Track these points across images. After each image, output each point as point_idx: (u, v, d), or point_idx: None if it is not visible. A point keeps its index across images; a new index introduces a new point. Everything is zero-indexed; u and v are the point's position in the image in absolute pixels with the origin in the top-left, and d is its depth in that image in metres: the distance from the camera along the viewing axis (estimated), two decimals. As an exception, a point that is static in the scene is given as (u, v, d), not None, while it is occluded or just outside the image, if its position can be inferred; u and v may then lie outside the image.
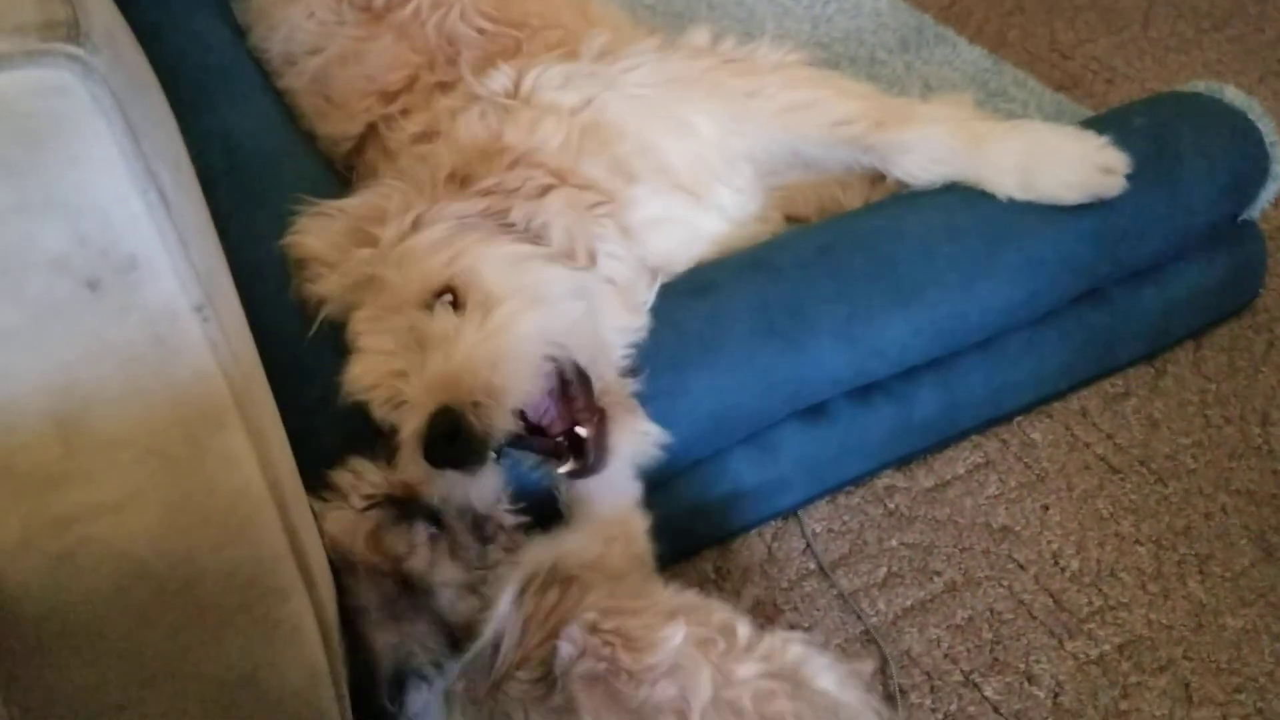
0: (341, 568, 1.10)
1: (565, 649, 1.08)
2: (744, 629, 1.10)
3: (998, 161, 1.50)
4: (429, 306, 1.21)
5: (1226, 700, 1.38)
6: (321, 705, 1.12)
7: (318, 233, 1.36)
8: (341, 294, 1.30)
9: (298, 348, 1.32)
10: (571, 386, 1.23)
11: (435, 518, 1.15)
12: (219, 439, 0.84)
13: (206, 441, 0.84)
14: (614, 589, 1.15)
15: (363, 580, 1.10)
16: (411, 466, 1.16)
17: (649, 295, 1.40)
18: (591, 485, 1.27)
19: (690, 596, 1.17)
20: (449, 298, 1.21)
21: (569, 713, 1.05)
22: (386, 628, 1.10)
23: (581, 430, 1.20)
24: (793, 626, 1.46)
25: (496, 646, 1.11)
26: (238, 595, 0.94)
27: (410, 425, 1.15)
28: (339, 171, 1.70)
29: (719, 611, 1.14)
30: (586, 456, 1.21)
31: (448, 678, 1.10)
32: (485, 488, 1.18)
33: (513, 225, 1.30)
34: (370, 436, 1.23)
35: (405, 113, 1.58)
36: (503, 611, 1.12)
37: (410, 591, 1.11)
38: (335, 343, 1.29)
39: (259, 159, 1.60)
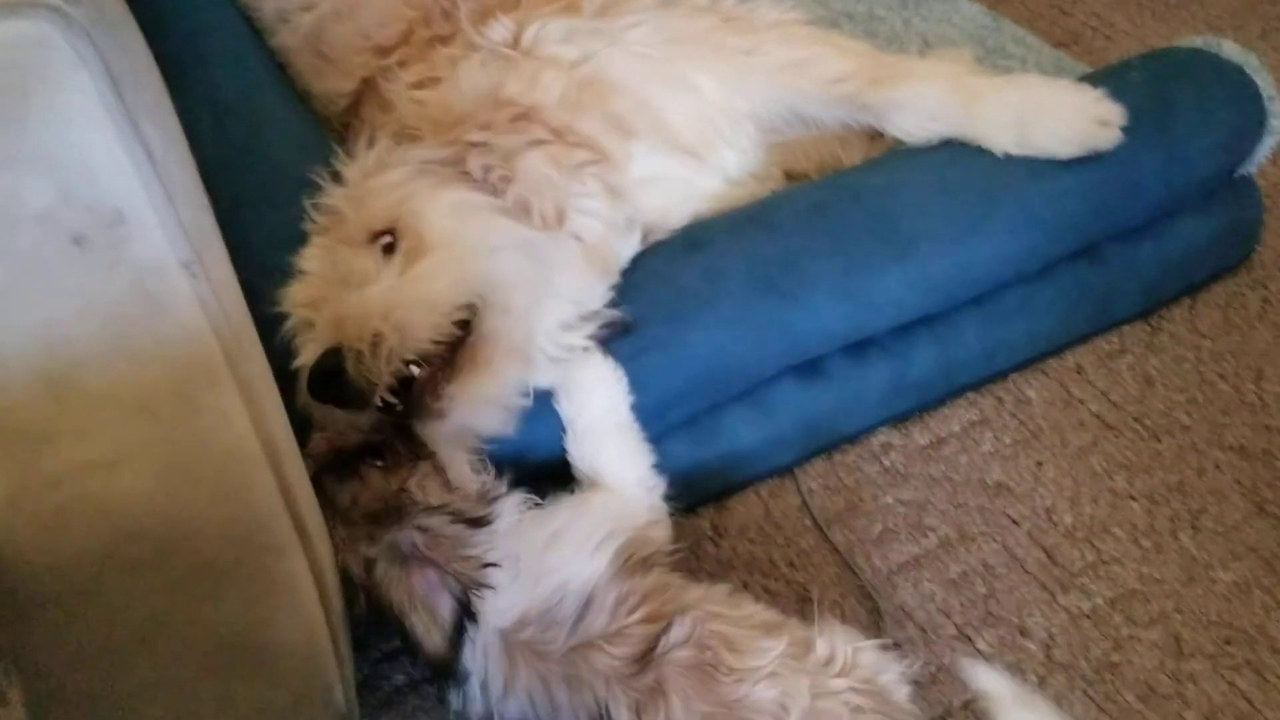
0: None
1: (677, 633, 1.11)
2: (822, 645, 1.14)
3: (992, 117, 1.49)
4: (370, 243, 1.23)
5: (1217, 652, 1.39)
6: (320, 661, 1.13)
7: None
8: (312, 230, 1.31)
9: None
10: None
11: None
12: (210, 396, 0.84)
13: (198, 399, 0.84)
14: (710, 593, 1.19)
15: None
16: (301, 395, 1.19)
17: (626, 250, 1.39)
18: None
19: (773, 613, 1.19)
20: (388, 239, 1.22)
21: (656, 693, 1.08)
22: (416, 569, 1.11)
23: (413, 369, 1.19)
24: (792, 583, 1.47)
25: (585, 608, 1.13)
26: (233, 553, 0.95)
27: (303, 357, 1.19)
28: (335, 130, 1.69)
29: (799, 629, 1.17)
30: (411, 398, 1.20)
31: (504, 621, 1.12)
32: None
33: (469, 173, 1.30)
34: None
35: (403, 65, 1.56)
36: (595, 576, 1.15)
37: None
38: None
39: (249, 119, 1.59)
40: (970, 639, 1.41)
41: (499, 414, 1.26)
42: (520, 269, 1.27)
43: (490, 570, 1.11)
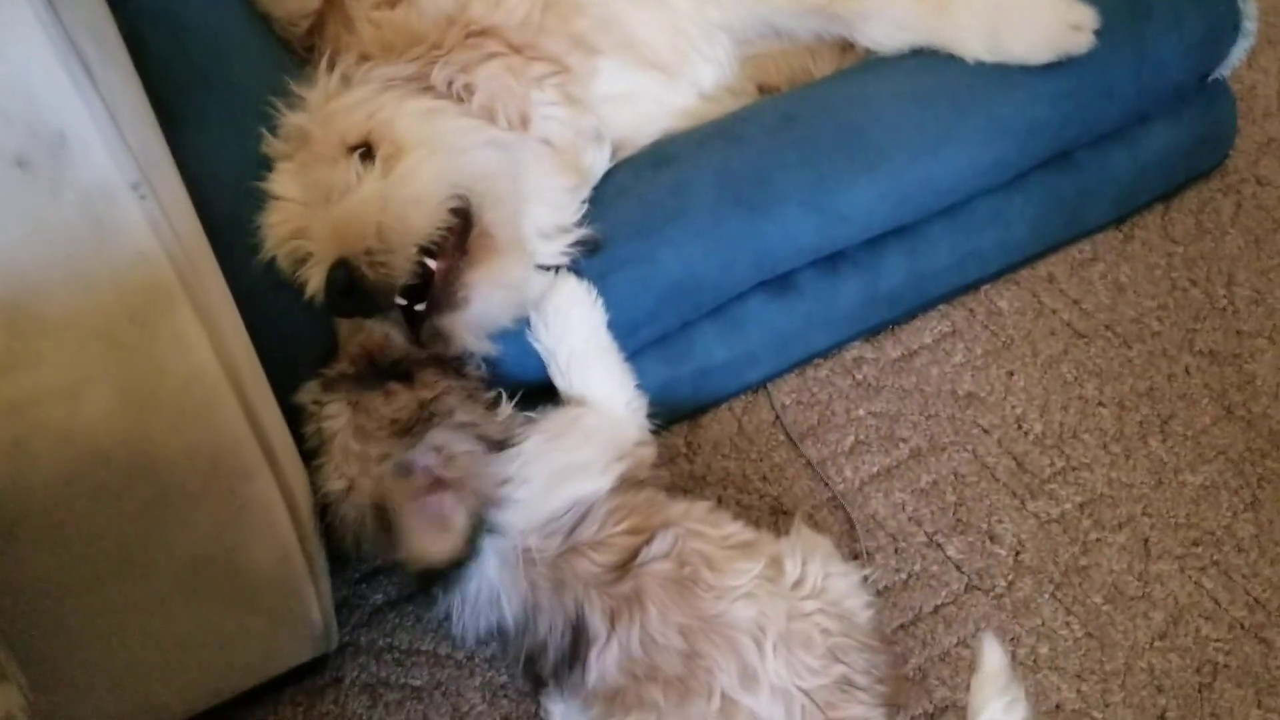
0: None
1: (659, 546, 1.13)
2: (792, 565, 1.15)
3: (963, 24, 1.47)
4: (345, 157, 1.22)
5: (1184, 554, 1.42)
6: (295, 582, 1.14)
7: None
8: (275, 155, 1.29)
9: (252, 230, 1.30)
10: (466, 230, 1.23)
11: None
12: (167, 320, 0.84)
13: (155, 323, 0.83)
14: (691, 509, 1.20)
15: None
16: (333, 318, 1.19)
17: (597, 162, 1.38)
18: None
19: (749, 531, 1.20)
20: (362, 150, 1.21)
21: (633, 602, 1.10)
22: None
23: (430, 262, 1.19)
24: (764, 497, 1.48)
25: (581, 519, 1.15)
26: (200, 477, 0.95)
27: (314, 283, 1.17)
28: (297, 54, 1.65)
29: (770, 545, 1.18)
30: (436, 292, 1.20)
31: (509, 532, 1.13)
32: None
33: (433, 87, 1.28)
34: (330, 320, 1.23)
35: None
36: (600, 493, 1.17)
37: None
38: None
39: (208, 41, 1.55)
40: (940, 546, 1.43)
41: (515, 299, 1.26)
42: (498, 162, 1.26)
43: (506, 488, 1.13)
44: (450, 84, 1.30)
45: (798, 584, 1.14)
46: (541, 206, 1.31)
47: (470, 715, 1.32)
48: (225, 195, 1.28)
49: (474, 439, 1.13)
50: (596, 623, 1.10)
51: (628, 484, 1.21)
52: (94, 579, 0.97)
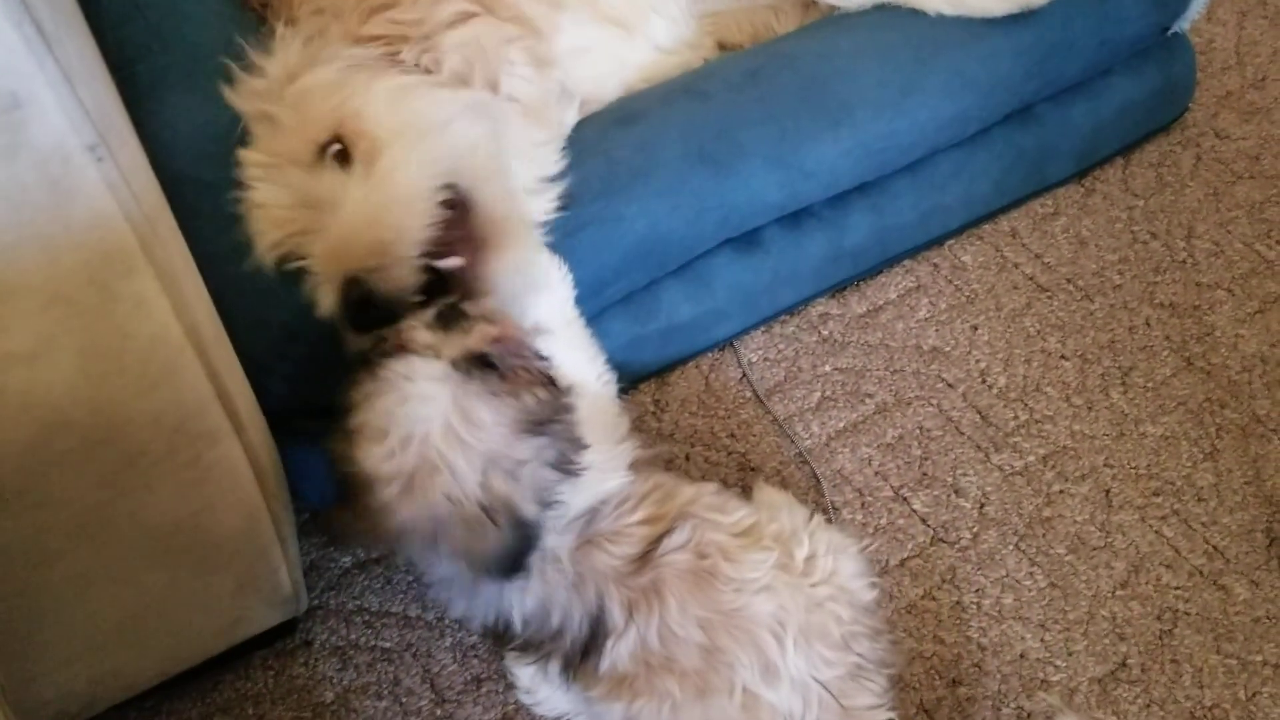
0: None
1: (678, 538, 1.11)
2: (799, 549, 1.14)
3: None
4: (320, 158, 1.17)
5: (1145, 504, 1.44)
6: (262, 546, 1.14)
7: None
8: (246, 119, 1.26)
9: (214, 193, 1.28)
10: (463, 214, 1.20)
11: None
12: (127, 283, 0.83)
13: (114, 286, 0.82)
14: (700, 493, 1.18)
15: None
16: (349, 337, 1.15)
17: (568, 116, 1.37)
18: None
19: (750, 511, 1.19)
20: (337, 147, 1.16)
21: (651, 593, 1.09)
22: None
23: (451, 261, 1.16)
24: (740, 456, 1.49)
25: (597, 511, 1.12)
26: (165, 442, 0.94)
27: (325, 303, 1.13)
28: (254, 10, 1.62)
29: (770, 524, 1.17)
30: (460, 287, 1.17)
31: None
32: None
33: (402, 61, 1.25)
34: (296, 280, 1.22)
35: None
36: (622, 482, 1.14)
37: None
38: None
39: (166, 1, 1.52)
40: (906, 500, 1.45)
41: (533, 273, 1.24)
42: (477, 131, 1.23)
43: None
44: (419, 57, 1.26)
45: (809, 567, 1.14)
46: (524, 162, 1.29)
47: (441, 676, 1.33)
48: (185, 157, 1.26)
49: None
50: (616, 614, 1.09)
51: (636, 467, 1.19)
52: (59, 547, 0.96)
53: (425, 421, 0.97)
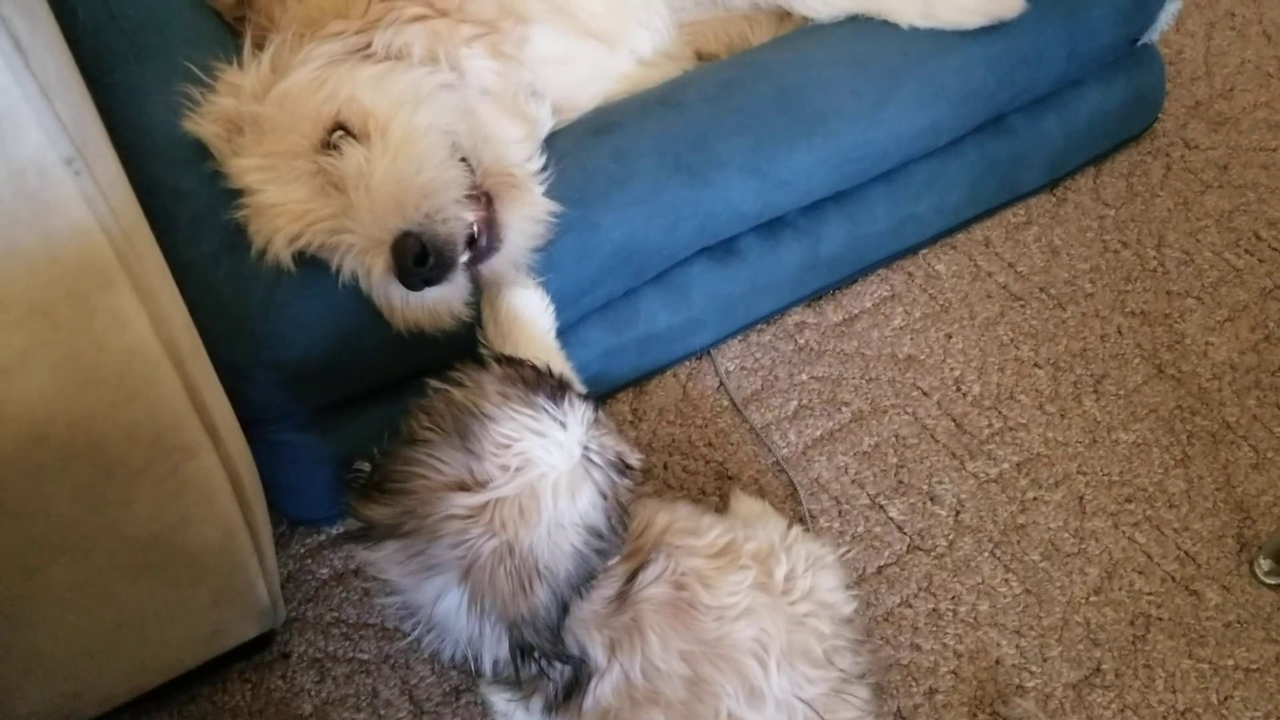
0: None
1: (652, 570, 1.10)
2: (778, 566, 1.14)
3: None
4: (327, 146, 1.19)
5: (1118, 510, 1.46)
6: (240, 558, 1.13)
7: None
8: (214, 139, 1.26)
9: (192, 201, 1.28)
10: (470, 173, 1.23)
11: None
12: (105, 296, 0.82)
13: (92, 299, 0.82)
14: (675, 516, 1.16)
15: None
16: (390, 301, 1.17)
17: (541, 115, 1.37)
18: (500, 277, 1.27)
19: (725, 529, 1.18)
20: (339, 133, 1.19)
21: (632, 630, 1.08)
22: None
23: (468, 215, 1.19)
24: (716, 463, 1.49)
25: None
26: (142, 455, 0.94)
27: (378, 267, 1.15)
28: (227, 24, 1.62)
29: (748, 542, 1.16)
30: (478, 240, 1.20)
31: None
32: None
33: (374, 53, 1.27)
34: (273, 286, 1.21)
35: None
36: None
37: None
38: (231, 196, 1.26)
39: (139, 10, 1.51)
40: (883, 508, 1.45)
41: (542, 224, 1.28)
42: (459, 104, 1.26)
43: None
44: (389, 47, 1.28)
45: (788, 585, 1.13)
46: (498, 141, 1.30)
47: (420, 688, 1.33)
48: (162, 165, 1.26)
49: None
50: (599, 656, 1.07)
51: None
52: (35, 561, 0.95)
53: (550, 466, 0.97)
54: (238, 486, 1.05)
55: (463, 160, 1.21)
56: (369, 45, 1.28)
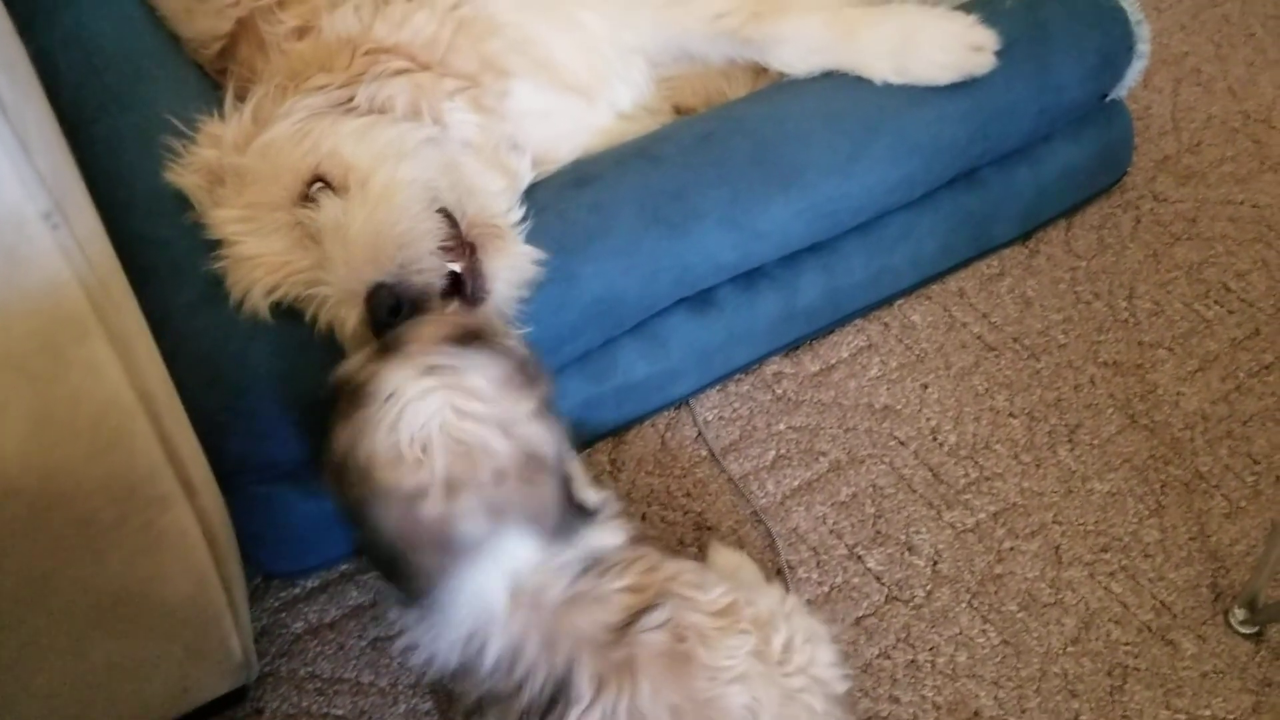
0: None
1: (658, 615, 1.08)
2: (777, 635, 1.12)
3: (872, 47, 1.51)
4: (306, 198, 1.19)
5: (1093, 560, 1.46)
6: (213, 612, 1.12)
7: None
8: (195, 189, 1.26)
9: (170, 251, 1.28)
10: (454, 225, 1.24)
11: None
12: (80, 349, 0.82)
13: (67, 352, 0.81)
14: (681, 569, 1.16)
15: None
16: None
17: (521, 168, 1.38)
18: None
19: (729, 590, 1.16)
20: (319, 185, 1.19)
21: (624, 671, 1.05)
22: None
23: (454, 265, 1.19)
24: (689, 513, 1.49)
25: (589, 567, 1.10)
26: (116, 508, 0.93)
27: (351, 318, 1.15)
28: (209, 75, 1.63)
29: (748, 606, 1.15)
30: (464, 288, 1.20)
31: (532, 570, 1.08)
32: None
33: (356, 107, 1.28)
34: (251, 336, 1.21)
35: (281, 4, 1.51)
36: (619, 544, 1.13)
37: None
38: (209, 246, 1.26)
39: (121, 61, 1.52)
40: (861, 558, 1.45)
41: (527, 273, 1.28)
42: (442, 157, 1.27)
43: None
44: (372, 101, 1.29)
45: (785, 656, 1.12)
46: (481, 192, 1.31)
47: (395, 741, 1.31)
48: (141, 215, 1.26)
49: None
50: (583, 685, 1.05)
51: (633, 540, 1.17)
52: (5, 616, 0.94)
53: (432, 417, 0.97)
54: (212, 540, 1.05)
55: (444, 212, 1.21)
56: (352, 99, 1.29)
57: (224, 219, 1.21)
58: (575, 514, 1.06)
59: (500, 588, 1.04)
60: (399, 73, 1.32)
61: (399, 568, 1.01)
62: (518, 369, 1.03)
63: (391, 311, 1.12)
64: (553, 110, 1.49)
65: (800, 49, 1.52)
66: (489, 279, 1.22)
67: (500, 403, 1.00)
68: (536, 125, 1.46)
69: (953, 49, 1.49)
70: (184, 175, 1.27)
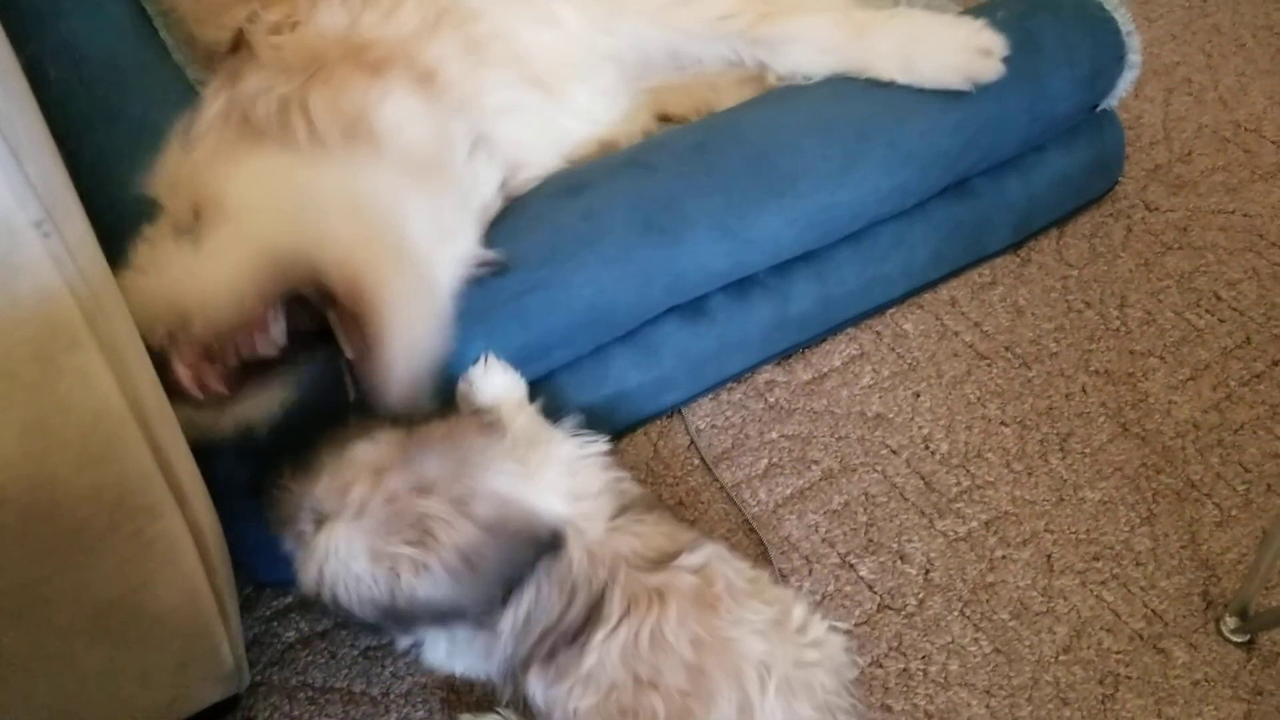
0: None
1: (696, 557, 1.14)
2: (797, 612, 1.16)
3: (880, 48, 1.52)
4: (191, 228, 1.13)
5: (1085, 568, 1.46)
6: (204, 622, 1.11)
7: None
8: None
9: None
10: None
11: None
12: (71, 358, 0.82)
13: (58, 361, 0.81)
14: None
15: None
16: None
17: (486, 174, 1.35)
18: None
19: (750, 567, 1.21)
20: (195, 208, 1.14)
21: (654, 596, 1.10)
22: None
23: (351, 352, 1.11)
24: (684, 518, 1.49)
25: (624, 508, 1.15)
26: (106, 517, 0.93)
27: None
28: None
29: (771, 589, 1.19)
30: (356, 383, 1.14)
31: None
32: None
33: (258, 120, 1.20)
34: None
35: (265, 6, 1.50)
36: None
37: None
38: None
39: (113, 70, 1.52)
40: (853, 566, 1.46)
41: (431, 339, 1.17)
42: (343, 203, 1.14)
43: None
44: (284, 113, 1.22)
45: (801, 631, 1.15)
46: (420, 235, 1.20)
47: (387, 751, 1.31)
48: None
49: None
50: (615, 603, 1.09)
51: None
52: (-3, 629, 0.94)
53: (355, 556, 1.01)
54: (203, 549, 1.04)
55: (305, 293, 1.09)
56: (253, 108, 1.21)
57: (144, 234, 1.17)
58: None
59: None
60: (314, 73, 1.23)
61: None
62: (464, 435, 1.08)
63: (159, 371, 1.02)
64: (522, 106, 1.46)
65: (809, 49, 1.53)
66: (379, 373, 1.11)
67: (454, 485, 1.04)
68: (507, 123, 1.43)
69: (961, 52, 1.52)
70: (158, 188, 1.23)
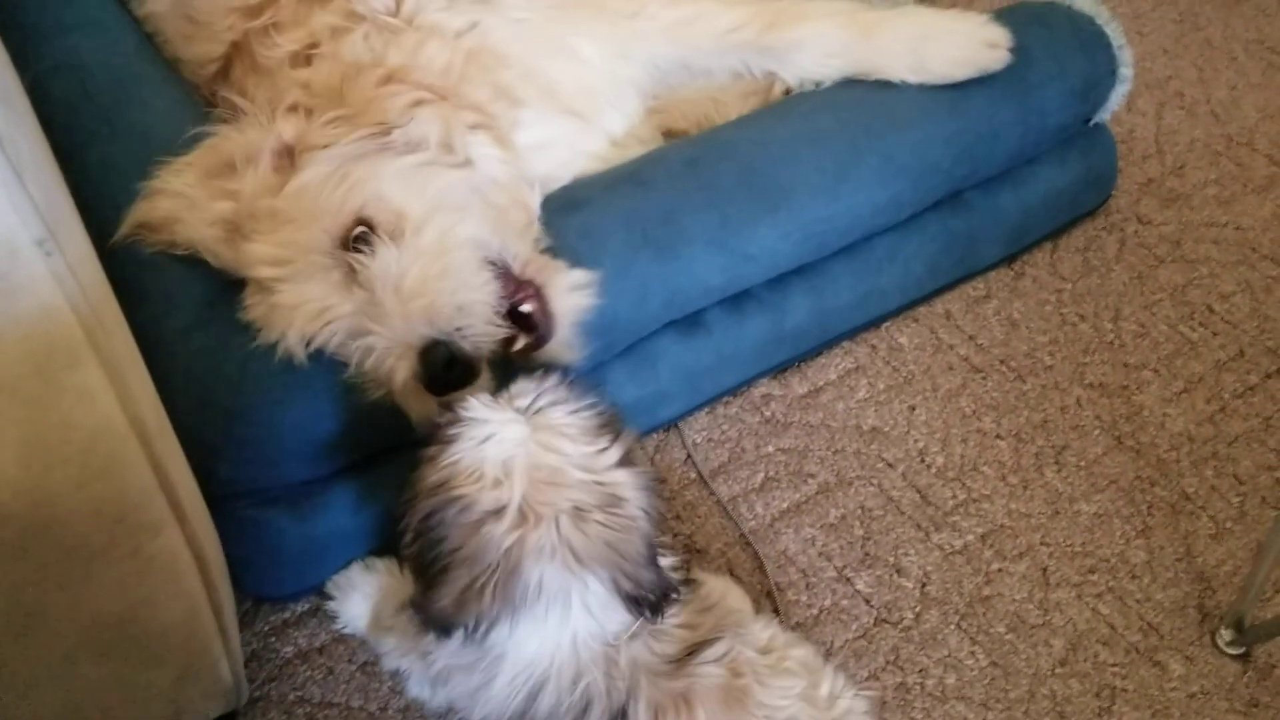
0: None
1: (717, 649, 1.11)
2: (826, 682, 1.17)
3: (889, 47, 1.54)
4: (348, 243, 1.18)
5: (1081, 581, 1.47)
6: (203, 638, 1.11)
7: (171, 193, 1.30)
8: (211, 242, 1.25)
9: (162, 276, 1.28)
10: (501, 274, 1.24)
11: None
12: (73, 375, 0.82)
13: (60, 378, 0.81)
14: (726, 595, 1.23)
15: None
16: (416, 406, 1.18)
17: (535, 202, 1.40)
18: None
19: (779, 629, 1.23)
20: (360, 229, 1.18)
21: (680, 702, 1.07)
22: None
23: (526, 307, 1.22)
24: (676, 534, 1.50)
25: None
26: (106, 533, 0.93)
27: (403, 371, 1.15)
28: (204, 98, 1.63)
29: (793, 646, 1.21)
30: (537, 328, 1.23)
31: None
32: None
33: (392, 144, 1.28)
34: (243, 361, 1.21)
35: (276, 27, 1.51)
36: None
37: None
38: (202, 270, 1.26)
39: (114, 87, 1.52)
40: (850, 580, 1.46)
41: (588, 302, 1.30)
42: (484, 203, 1.28)
43: None
44: (407, 137, 1.29)
45: (830, 704, 1.16)
46: (519, 233, 1.32)
47: (385, 766, 1.31)
48: (132, 243, 1.27)
49: None
50: (640, 713, 1.07)
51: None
52: (-3, 647, 0.94)
53: (518, 444, 1.00)
54: (202, 564, 1.04)
55: (495, 263, 1.22)
56: (388, 135, 1.28)
57: (259, 257, 1.20)
58: (658, 583, 1.07)
59: (568, 635, 1.06)
60: (418, 103, 1.32)
61: (453, 587, 1.02)
62: (605, 420, 1.07)
63: (446, 366, 1.14)
64: (555, 139, 1.50)
65: (818, 53, 1.55)
66: (559, 317, 1.24)
67: (585, 445, 1.03)
68: (539, 157, 1.47)
69: (969, 45, 1.54)
70: (199, 229, 1.25)
